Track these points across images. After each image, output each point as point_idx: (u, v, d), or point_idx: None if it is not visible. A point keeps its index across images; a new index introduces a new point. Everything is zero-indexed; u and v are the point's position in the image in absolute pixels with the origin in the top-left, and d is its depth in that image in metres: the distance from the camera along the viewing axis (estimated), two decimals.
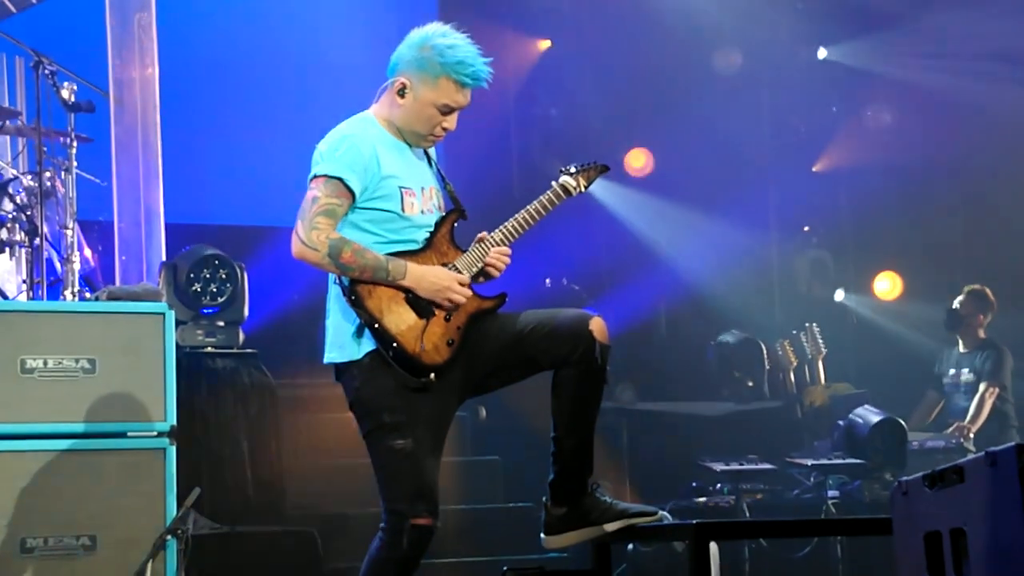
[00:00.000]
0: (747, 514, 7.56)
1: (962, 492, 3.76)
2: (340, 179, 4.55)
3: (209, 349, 7.50)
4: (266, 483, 7.28)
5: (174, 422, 5.90)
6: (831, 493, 7.80)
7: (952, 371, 9.81)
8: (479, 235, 4.82)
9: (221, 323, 7.60)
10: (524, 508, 8.55)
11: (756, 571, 7.40)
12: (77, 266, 7.20)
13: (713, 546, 6.78)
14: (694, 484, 8.13)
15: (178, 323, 6.98)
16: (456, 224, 4.78)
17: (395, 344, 4.55)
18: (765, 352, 10.48)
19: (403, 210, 4.64)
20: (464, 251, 4.75)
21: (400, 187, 4.64)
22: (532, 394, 10.47)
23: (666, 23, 11.29)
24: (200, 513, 6.66)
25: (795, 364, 10.32)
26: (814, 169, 11.50)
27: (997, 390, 9.59)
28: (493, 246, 4.81)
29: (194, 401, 7.17)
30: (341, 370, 4.68)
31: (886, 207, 11.31)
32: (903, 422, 8.39)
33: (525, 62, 11.29)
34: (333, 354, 4.67)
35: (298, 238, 4.55)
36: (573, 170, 5.02)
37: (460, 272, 4.70)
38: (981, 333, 9.83)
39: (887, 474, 7.87)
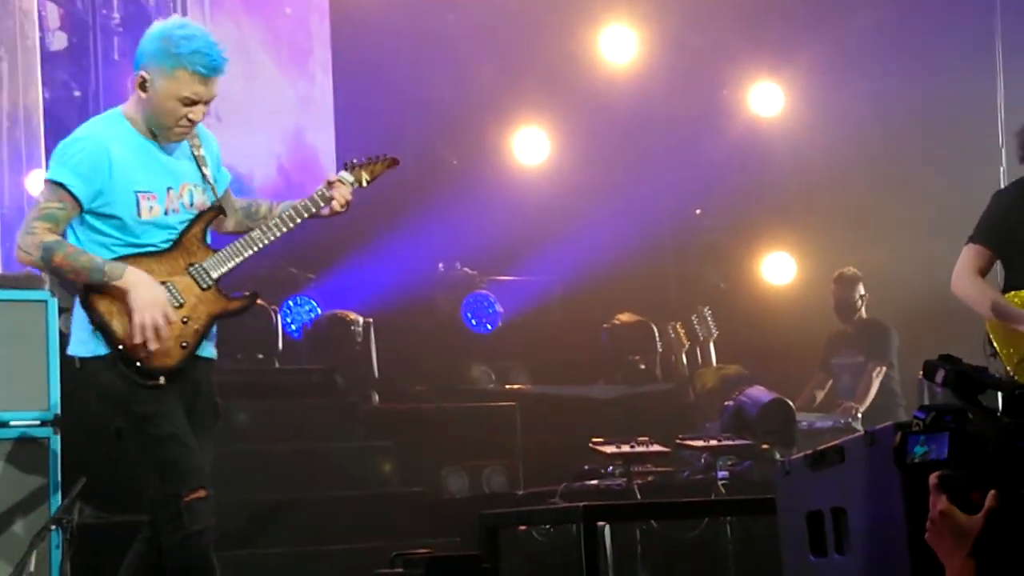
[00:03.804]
0: (638, 496, 7.59)
1: (842, 471, 3.82)
2: (62, 184, 4.58)
3: None
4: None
5: (58, 411, 5.83)
6: (721, 474, 7.85)
7: (841, 352, 9.93)
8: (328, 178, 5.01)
9: None
10: (416, 493, 8.54)
11: (648, 552, 7.43)
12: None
13: (605, 527, 6.82)
14: (586, 467, 8.14)
15: (61, 311, 6.85)
16: (212, 223, 4.82)
17: (121, 347, 4.59)
18: (657, 334, 10.54)
19: (139, 214, 4.66)
20: (216, 251, 4.78)
21: (136, 191, 4.65)
22: (426, 379, 10.51)
23: (558, 4, 11.31)
24: (88, 503, 6.57)
25: (687, 346, 10.39)
26: (706, 153, 11.56)
27: (883, 368, 9.73)
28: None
29: (79, 390, 7.05)
30: (84, 363, 4.72)
31: (779, 190, 11.42)
32: (791, 402, 8.48)
33: (417, 45, 11.25)
34: (76, 348, 4.73)
35: (16, 243, 4.63)
36: (355, 163, 5.08)
37: (207, 272, 4.72)
38: (863, 313, 9.96)
39: (776, 454, 7.93)
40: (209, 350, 4.85)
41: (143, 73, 4.65)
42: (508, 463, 9.31)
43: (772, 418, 8.20)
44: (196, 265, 4.72)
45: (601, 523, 6.55)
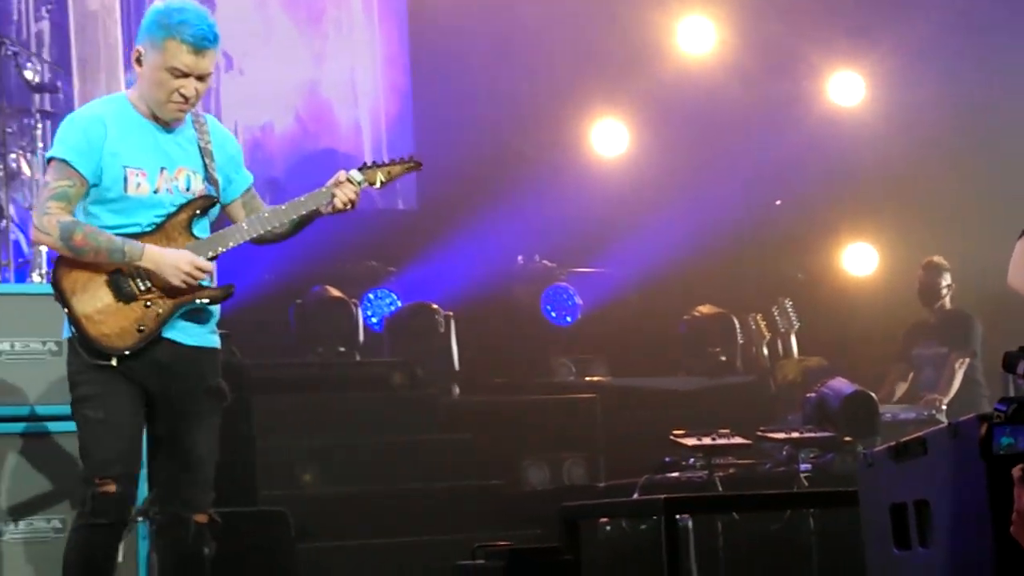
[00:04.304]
0: (719, 488, 7.55)
1: (925, 463, 3.78)
2: (65, 161, 4.62)
3: None
4: (238, 464, 7.25)
5: None
6: (803, 466, 7.80)
7: (923, 343, 9.84)
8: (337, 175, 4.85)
9: None
10: (496, 486, 8.57)
11: (729, 545, 7.40)
12: (45, 248, 7.16)
13: (688, 520, 6.79)
14: (667, 459, 8.12)
15: None
16: (202, 211, 4.74)
17: (77, 324, 4.60)
18: (738, 326, 10.51)
19: (126, 189, 4.65)
20: (198, 238, 4.72)
21: (124, 166, 4.65)
22: (506, 371, 10.54)
23: None
24: None
25: (768, 338, 10.34)
26: (785, 143, 11.50)
27: (967, 359, 9.62)
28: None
29: None
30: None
31: (861, 180, 11.33)
32: (873, 394, 8.40)
33: (495, 38, 11.27)
34: (63, 329, 4.75)
35: (33, 224, 4.66)
36: (372, 164, 4.93)
37: None
38: (947, 303, 9.87)
39: (859, 446, 7.87)
40: (201, 337, 4.78)
41: (139, 47, 4.68)
42: (589, 455, 9.31)
43: (855, 410, 8.13)
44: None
45: (683, 516, 6.53)
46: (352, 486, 8.17)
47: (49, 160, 4.70)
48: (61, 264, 4.64)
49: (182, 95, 4.64)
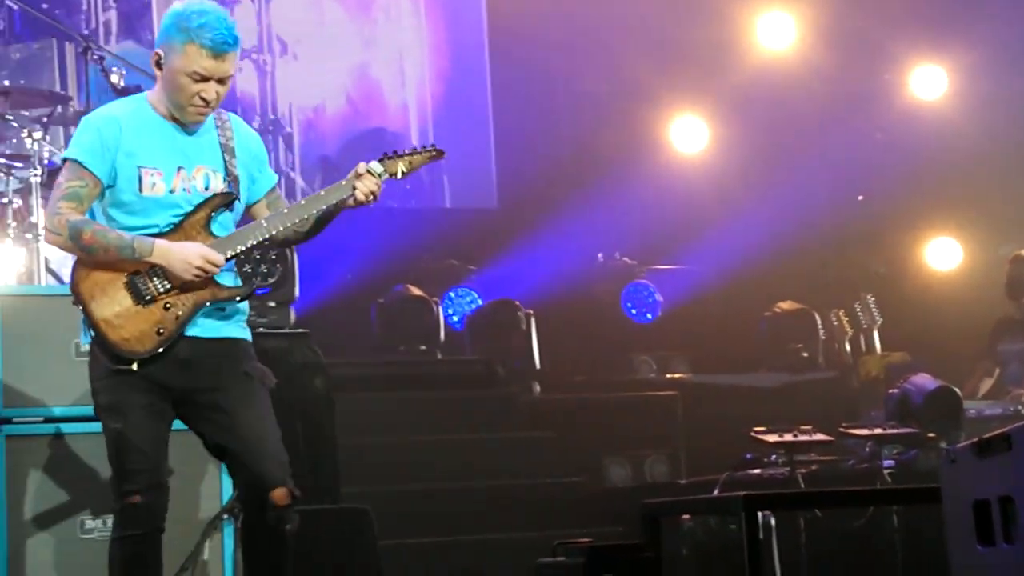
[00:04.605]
0: (801, 485, 7.52)
1: (1010, 459, 3.75)
2: (78, 161, 4.60)
3: (260, 330, 7.48)
4: (320, 461, 7.31)
5: None
6: (886, 463, 7.76)
7: (1008, 338, 9.74)
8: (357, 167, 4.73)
9: (272, 303, 7.60)
10: (577, 483, 8.58)
11: (812, 542, 7.37)
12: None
13: (771, 517, 6.77)
14: (748, 456, 8.09)
15: None
16: (220, 208, 4.67)
17: (96, 329, 4.56)
18: (820, 322, 10.46)
19: (140, 190, 4.61)
20: (217, 237, 4.65)
21: (138, 166, 4.61)
22: (587, 369, 10.55)
23: None
24: None
25: (850, 334, 10.28)
26: (866, 138, 11.43)
27: None
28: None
29: None
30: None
31: (943, 175, 11.23)
32: (957, 390, 8.33)
33: (573, 36, 11.29)
34: (82, 334, 4.72)
35: (44, 225, 4.73)
36: (394, 153, 4.78)
37: None
38: None
39: (943, 442, 7.81)
40: (223, 330, 4.71)
41: (159, 51, 4.63)
42: (670, 452, 9.31)
43: (938, 406, 8.07)
44: None
45: (765, 513, 6.52)
46: (433, 484, 8.21)
47: (64, 161, 4.69)
48: (79, 267, 4.61)
49: (203, 98, 4.59)
